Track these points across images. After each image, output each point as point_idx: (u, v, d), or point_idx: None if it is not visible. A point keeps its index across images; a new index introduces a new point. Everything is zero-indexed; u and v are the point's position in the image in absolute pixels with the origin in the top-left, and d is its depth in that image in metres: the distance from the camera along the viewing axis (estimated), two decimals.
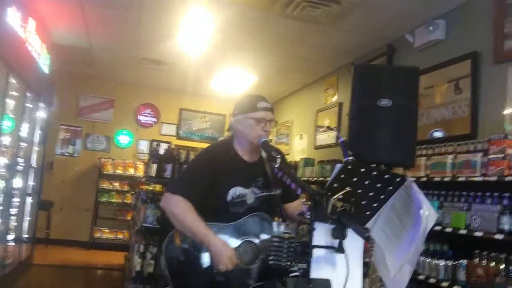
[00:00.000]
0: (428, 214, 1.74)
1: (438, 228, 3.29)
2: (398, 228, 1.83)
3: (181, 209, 2.21)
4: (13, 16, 4.46)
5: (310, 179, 6.17)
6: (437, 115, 4.36)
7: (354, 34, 5.32)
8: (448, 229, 3.25)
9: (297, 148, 7.80)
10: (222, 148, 2.43)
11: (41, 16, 5.62)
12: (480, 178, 3.10)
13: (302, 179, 6.42)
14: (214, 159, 2.34)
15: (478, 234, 3.00)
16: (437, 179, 3.49)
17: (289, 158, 7.67)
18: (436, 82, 4.42)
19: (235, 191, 2.27)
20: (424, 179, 3.59)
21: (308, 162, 6.52)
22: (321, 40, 5.62)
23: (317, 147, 6.96)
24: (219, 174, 2.28)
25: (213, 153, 2.42)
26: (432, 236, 3.42)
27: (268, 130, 2.33)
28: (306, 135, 7.49)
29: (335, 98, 6.62)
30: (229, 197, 2.26)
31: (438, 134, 4.23)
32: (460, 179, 3.27)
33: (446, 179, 3.40)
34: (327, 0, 4.51)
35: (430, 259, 3.36)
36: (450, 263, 3.23)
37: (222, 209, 2.26)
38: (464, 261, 3.11)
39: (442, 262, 3.27)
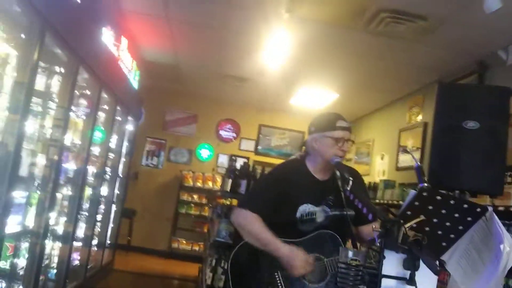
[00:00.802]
0: (510, 250, 1.57)
1: None
2: (476, 263, 1.67)
3: (249, 222, 2.23)
4: (107, 35, 4.77)
5: (390, 202, 5.92)
6: None
7: (442, 51, 5.06)
8: None
9: (377, 169, 7.53)
10: (294, 165, 2.41)
11: (133, 35, 5.98)
12: None
13: (382, 201, 6.19)
14: (284, 176, 2.33)
15: None
16: None
17: (368, 179, 7.43)
18: None
19: (305, 208, 2.23)
20: None
21: (388, 184, 6.27)
22: (406, 56, 5.42)
23: (399, 169, 6.66)
24: (289, 191, 2.26)
25: (284, 169, 2.41)
26: None
27: (346, 150, 2.27)
28: (388, 156, 7.22)
29: (420, 118, 6.32)
30: (298, 214, 2.23)
31: None
32: None
33: None
34: (413, 16, 4.35)
35: None
36: None
37: (291, 226, 2.23)
38: None
39: None
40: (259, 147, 9.58)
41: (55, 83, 3.85)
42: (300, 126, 9.24)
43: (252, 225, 2.21)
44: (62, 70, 3.87)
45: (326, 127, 2.29)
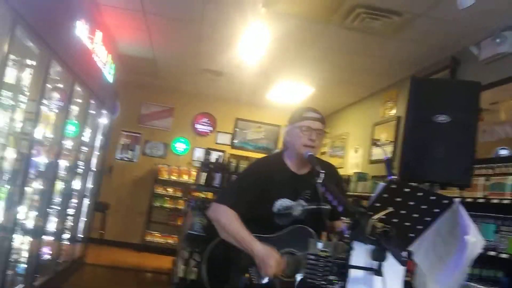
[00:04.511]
0: (475, 241, 1.62)
1: (492, 253, 3.07)
2: (443, 253, 1.72)
3: (226, 218, 2.22)
4: (81, 29, 4.67)
5: (363, 194, 6.01)
6: (501, 132, 4.10)
7: (416, 46, 5.14)
8: (504, 255, 3.02)
9: (351, 162, 7.63)
10: (272, 159, 2.44)
11: (108, 28, 5.88)
12: None
13: (355, 194, 6.27)
14: (262, 171, 2.34)
15: None
16: (495, 201, 3.26)
17: (342, 172, 7.50)
18: (502, 97, 4.16)
19: (281, 202, 2.25)
20: (482, 200, 3.36)
21: (361, 176, 6.37)
22: (381, 51, 5.48)
23: (372, 162, 6.76)
24: (267, 186, 2.26)
25: (262, 165, 2.43)
26: (486, 261, 3.19)
27: (313, 139, 2.26)
28: (361, 149, 7.31)
29: (393, 112, 6.42)
30: (275, 209, 2.24)
31: (504, 152, 3.97)
32: None
33: (505, 201, 3.16)
34: (388, 11, 4.40)
35: (482, 286, 3.12)
36: None
37: (267, 220, 2.24)
38: None
39: None
40: (235, 141, 9.57)
41: (27, 76, 3.78)
42: (276, 120, 9.28)
43: (229, 222, 2.20)
44: (34, 63, 3.80)
45: (296, 119, 2.32)
